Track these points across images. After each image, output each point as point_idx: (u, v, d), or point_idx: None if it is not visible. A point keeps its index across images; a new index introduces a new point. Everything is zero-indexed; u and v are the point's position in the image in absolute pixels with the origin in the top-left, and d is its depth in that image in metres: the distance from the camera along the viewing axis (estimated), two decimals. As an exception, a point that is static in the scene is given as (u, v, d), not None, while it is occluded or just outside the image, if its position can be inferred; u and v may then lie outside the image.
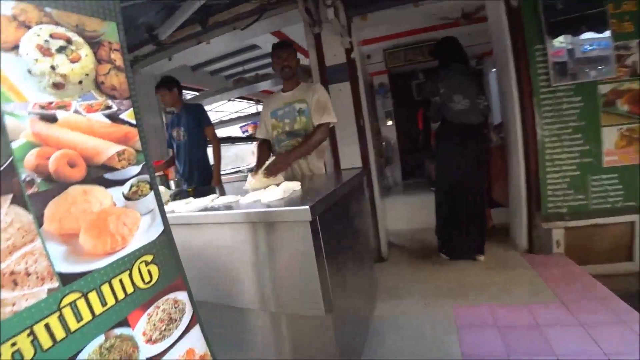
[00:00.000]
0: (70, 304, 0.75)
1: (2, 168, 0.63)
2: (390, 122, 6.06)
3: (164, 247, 0.96)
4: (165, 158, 2.69)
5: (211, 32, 2.64)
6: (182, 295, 1.02)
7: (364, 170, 1.92)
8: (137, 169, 0.88)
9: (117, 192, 0.84)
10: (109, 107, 0.80)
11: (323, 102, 2.02)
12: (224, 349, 1.48)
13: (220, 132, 5.10)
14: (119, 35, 0.81)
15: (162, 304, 0.96)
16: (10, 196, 0.64)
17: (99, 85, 0.78)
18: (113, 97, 0.81)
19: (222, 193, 1.96)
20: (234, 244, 1.29)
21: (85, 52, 0.75)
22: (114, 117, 0.81)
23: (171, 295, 0.98)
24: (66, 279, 0.74)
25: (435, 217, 2.81)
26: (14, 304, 0.66)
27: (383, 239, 2.99)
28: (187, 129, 2.55)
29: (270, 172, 1.77)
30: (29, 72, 0.66)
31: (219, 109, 7.29)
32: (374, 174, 2.88)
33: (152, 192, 0.93)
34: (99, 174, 0.79)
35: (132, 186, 0.87)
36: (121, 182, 0.85)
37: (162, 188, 1.68)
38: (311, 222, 1.11)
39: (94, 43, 0.76)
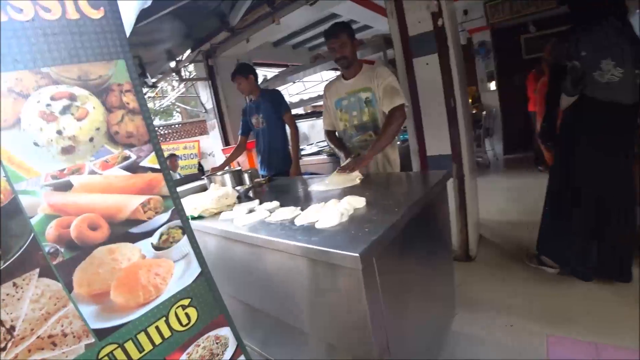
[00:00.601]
0: (107, 354, 0.77)
1: (25, 246, 0.63)
2: (492, 87, 5.06)
3: (202, 289, 0.93)
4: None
5: (281, 10, 2.46)
6: (224, 331, 0.99)
7: (449, 174, 1.58)
8: (165, 216, 0.83)
9: (146, 244, 0.81)
10: (127, 158, 0.74)
11: (391, 86, 1.70)
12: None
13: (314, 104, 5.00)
14: (129, 72, 0.72)
15: (203, 342, 0.95)
16: (37, 270, 0.66)
17: (112, 137, 0.71)
18: (130, 146, 0.74)
19: (304, 186, 1.89)
20: (286, 268, 1.21)
21: (92, 104, 0.68)
22: (134, 167, 0.75)
23: (212, 333, 0.97)
24: (102, 334, 0.76)
25: (543, 208, 2.13)
26: (56, 362, 0.70)
27: (472, 234, 2.57)
28: (266, 115, 2.52)
29: (351, 168, 1.67)
30: (36, 144, 0.63)
31: (307, 80, 7.20)
32: (466, 160, 2.43)
33: (185, 237, 0.88)
34: (124, 231, 0.76)
35: (162, 235, 0.83)
36: (149, 234, 0.81)
37: (228, 189, 1.69)
38: (363, 270, 0.93)
39: (102, 91, 0.69)
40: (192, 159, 8.13)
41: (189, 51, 3.40)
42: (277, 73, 4.23)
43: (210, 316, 0.95)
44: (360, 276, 0.93)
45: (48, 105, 0.63)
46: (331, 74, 6.30)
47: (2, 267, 0.61)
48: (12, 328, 0.64)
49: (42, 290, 0.66)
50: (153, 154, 0.77)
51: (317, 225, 1.17)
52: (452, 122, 2.28)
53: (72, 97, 0.65)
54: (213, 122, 4.01)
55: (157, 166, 0.78)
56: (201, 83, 3.88)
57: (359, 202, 1.31)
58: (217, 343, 0.98)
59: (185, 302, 0.90)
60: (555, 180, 2.07)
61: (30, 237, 0.64)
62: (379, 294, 1.02)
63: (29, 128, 0.61)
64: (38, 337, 0.67)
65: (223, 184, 2.00)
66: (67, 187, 0.67)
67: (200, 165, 2.74)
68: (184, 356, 0.90)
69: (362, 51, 2.88)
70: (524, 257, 2.34)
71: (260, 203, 1.60)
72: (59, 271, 0.68)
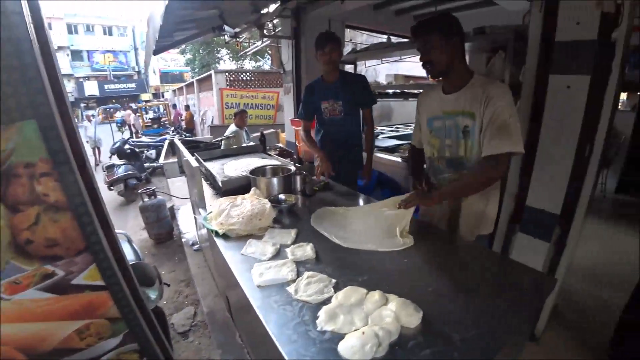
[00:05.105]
0: None
1: None
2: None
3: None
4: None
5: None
6: None
7: (554, 280, 1.05)
8: (115, 341, 0.59)
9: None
10: (49, 276, 0.49)
11: (501, 121, 1.13)
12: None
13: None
14: (45, 140, 0.41)
15: None
16: None
17: (22, 248, 0.46)
18: (54, 258, 0.49)
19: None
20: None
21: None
22: (61, 287, 0.50)
23: None
24: None
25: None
26: None
27: (545, 309, 1.95)
28: (347, 105, 1.98)
29: (409, 203, 1.20)
30: None
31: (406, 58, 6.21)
32: (577, 229, 1.80)
33: (145, 360, 0.66)
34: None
35: (108, 362, 0.62)
36: (88, 363, 0.59)
37: (266, 207, 1.36)
38: None
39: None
40: (269, 109, 8.15)
41: (278, 3, 3.02)
42: (367, 45, 3.60)
43: None
44: None
45: None
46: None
47: None
48: None
49: None
50: (93, 266, 0.51)
51: (341, 349, 0.76)
52: (577, 176, 1.64)
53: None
54: (289, 86, 3.70)
55: (101, 283, 0.53)
56: (285, 40, 3.54)
57: (410, 317, 0.81)
58: None
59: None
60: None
61: None
62: None
63: None
64: None
65: (267, 190, 1.68)
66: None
67: (262, 136, 2.47)
68: None
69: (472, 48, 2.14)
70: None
71: (298, 228, 1.22)
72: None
